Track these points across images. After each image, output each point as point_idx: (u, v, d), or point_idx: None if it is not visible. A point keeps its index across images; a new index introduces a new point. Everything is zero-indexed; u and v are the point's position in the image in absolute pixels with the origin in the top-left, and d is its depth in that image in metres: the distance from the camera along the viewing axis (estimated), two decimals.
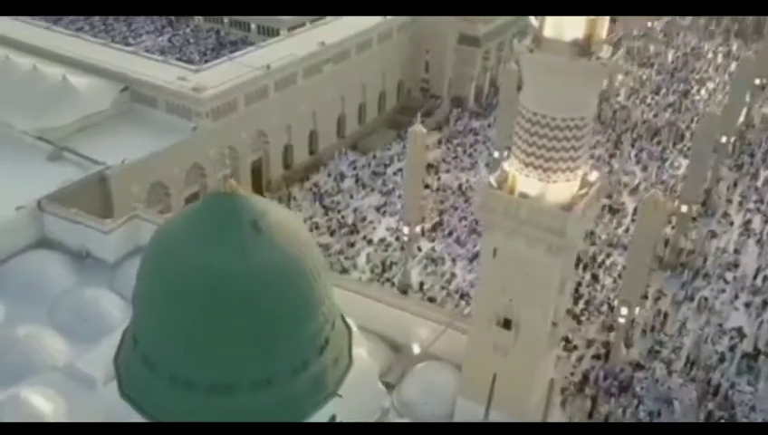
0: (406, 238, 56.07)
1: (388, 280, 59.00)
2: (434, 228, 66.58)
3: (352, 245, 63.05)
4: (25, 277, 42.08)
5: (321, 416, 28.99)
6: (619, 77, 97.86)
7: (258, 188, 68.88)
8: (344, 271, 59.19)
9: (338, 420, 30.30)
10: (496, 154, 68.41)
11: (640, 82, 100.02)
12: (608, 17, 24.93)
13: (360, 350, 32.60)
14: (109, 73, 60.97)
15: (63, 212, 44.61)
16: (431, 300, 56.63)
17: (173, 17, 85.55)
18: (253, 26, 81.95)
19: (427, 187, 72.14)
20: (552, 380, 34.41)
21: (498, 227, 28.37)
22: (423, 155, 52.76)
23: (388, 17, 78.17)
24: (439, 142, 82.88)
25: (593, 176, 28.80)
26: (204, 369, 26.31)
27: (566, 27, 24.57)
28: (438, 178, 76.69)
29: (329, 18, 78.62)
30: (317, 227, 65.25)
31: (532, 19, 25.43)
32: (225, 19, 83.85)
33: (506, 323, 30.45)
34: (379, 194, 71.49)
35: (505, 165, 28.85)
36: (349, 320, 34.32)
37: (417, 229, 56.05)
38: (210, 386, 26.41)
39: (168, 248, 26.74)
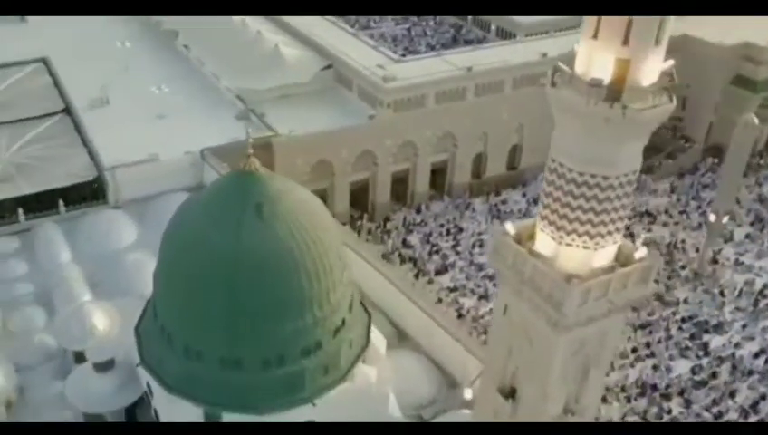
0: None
1: None
2: None
3: None
4: (168, 213, 49.05)
5: (291, 418, 29.71)
6: None
7: (439, 189, 70.05)
8: (482, 297, 57.56)
9: None
10: (712, 217, 60.53)
11: None
12: (652, 62, 21.05)
13: (369, 369, 32.42)
14: (320, 50, 66.97)
15: (217, 165, 50.91)
16: None
17: None
18: (492, 27, 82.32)
19: (631, 235, 66.65)
20: None
21: (507, 281, 25.90)
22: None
23: None
24: (672, 191, 75.44)
25: (640, 253, 24.60)
26: (183, 333, 29.03)
27: (594, 64, 21.38)
28: (649, 230, 69.65)
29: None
30: (480, 245, 64.20)
31: (576, 47, 22.57)
32: (470, 16, 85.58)
33: (512, 392, 27.68)
34: None
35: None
36: (379, 336, 34.38)
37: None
38: (185, 348, 29.04)
39: (181, 219, 29.76)
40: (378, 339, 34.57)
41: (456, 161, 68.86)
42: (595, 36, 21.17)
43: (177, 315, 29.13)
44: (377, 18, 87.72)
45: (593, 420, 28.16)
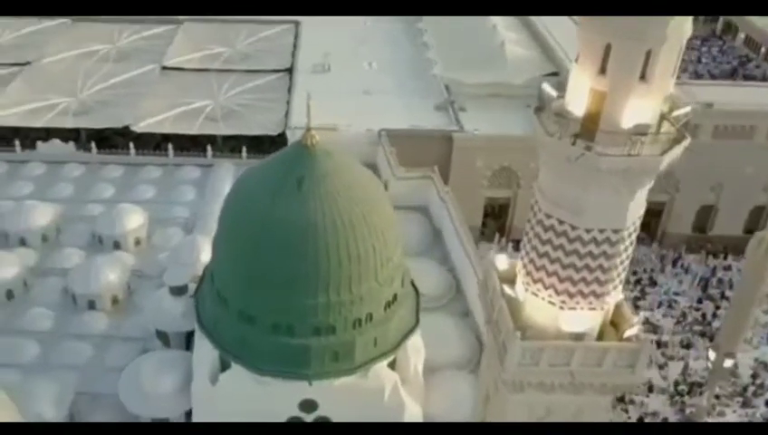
0: (710, 365, 45.75)
1: (683, 403, 49.88)
2: None
3: None
4: None
5: (290, 390, 31.38)
6: None
7: (650, 234, 64.16)
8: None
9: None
10: None
11: None
12: (636, 100, 17.87)
13: (390, 374, 32.54)
14: (552, 55, 65.13)
15: (386, 146, 53.49)
16: None
17: None
18: None
19: None
20: None
21: (484, 318, 24.30)
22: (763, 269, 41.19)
23: None
24: None
25: (630, 332, 21.31)
26: (218, 280, 32.42)
27: (572, 92, 18.90)
28: None
29: None
30: (669, 306, 58.43)
31: None
32: (763, 48, 75.43)
33: None
34: None
35: None
36: (420, 349, 34.09)
37: (729, 363, 44.77)
38: (218, 293, 32.42)
39: (241, 178, 32.86)
40: (417, 350, 34.14)
41: (675, 207, 62.28)
42: (577, 58, 18.76)
43: (217, 263, 32.34)
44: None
45: None
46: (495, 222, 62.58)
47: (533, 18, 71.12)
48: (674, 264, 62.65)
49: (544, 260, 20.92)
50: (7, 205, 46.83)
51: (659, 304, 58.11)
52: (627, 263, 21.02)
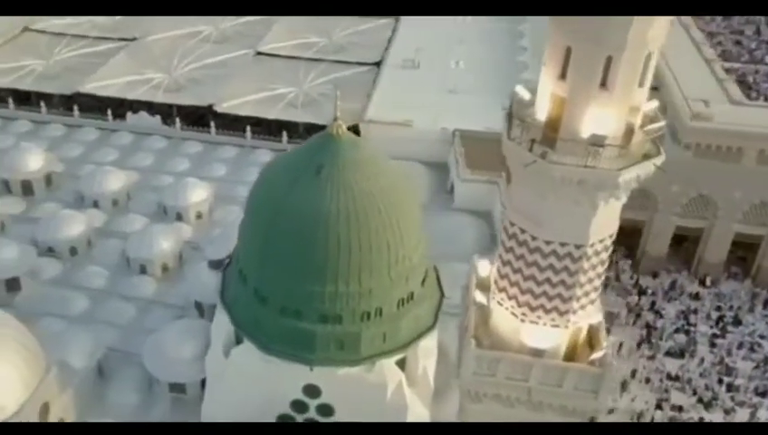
0: None
1: None
2: None
3: None
4: None
5: (296, 373, 32.26)
6: None
7: (745, 269, 60.09)
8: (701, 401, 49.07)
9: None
10: None
11: None
12: (597, 109, 17.03)
13: (395, 371, 32.74)
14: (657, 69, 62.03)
15: (456, 145, 53.46)
16: None
17: None
18: None
19: None
20: None
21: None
22: None
23: None
24: None
25: (596, 354, 20.47)
26: (241, 259, 33.47)
27: (539, 99, 18.30)
28: None
29: None
30: (751, 349, 54.27)
31: None
32: None
33: None
34: None
35: None
36: (432, 354, 33.92)
37: None
38: (240, 271, 33.68)
39: (270, 163, 33.73)
40: (429, 353, 33.88)
41: None
42: (545, 61, 18.18)
43: (241, 242, 33.62)
44: None
45: None
46: None
47: None
48: (765, 304, 58.17)
49: (507, 269, 20.46)
50: (89, 168, 50.80)
51: (740, 346, 54.17)
52: (598, 283, 20.09)
